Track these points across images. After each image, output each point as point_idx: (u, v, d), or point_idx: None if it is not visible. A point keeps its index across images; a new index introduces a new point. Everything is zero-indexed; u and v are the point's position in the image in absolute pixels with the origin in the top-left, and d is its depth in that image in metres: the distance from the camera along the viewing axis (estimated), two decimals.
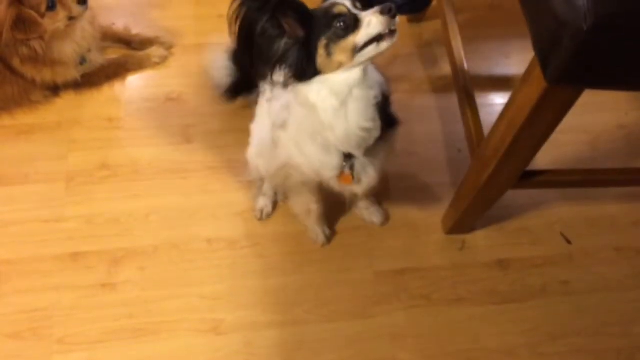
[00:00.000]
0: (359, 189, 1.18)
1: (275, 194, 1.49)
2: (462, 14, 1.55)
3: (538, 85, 0.89)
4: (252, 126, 1.32)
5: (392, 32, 0.92)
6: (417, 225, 1.49)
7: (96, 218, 1.46)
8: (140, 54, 1.76)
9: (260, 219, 1.48)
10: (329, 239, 1.45)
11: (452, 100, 1.50)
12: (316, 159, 1.09)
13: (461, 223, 1.43)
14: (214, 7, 1.90)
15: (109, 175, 1.54)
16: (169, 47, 1.79)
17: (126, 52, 1.78)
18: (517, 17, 0.98)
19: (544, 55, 0.84)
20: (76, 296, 1.35)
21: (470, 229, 1.48)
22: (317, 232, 1.44)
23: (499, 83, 1.80)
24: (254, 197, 1.50)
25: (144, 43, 1.78)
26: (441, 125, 1.66)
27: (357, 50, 0.93)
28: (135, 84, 1.74)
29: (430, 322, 1.36)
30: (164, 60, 1.77)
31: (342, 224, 1.49)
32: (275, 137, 1.15)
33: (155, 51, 1.76)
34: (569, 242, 1.49)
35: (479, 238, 1.48)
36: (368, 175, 1.15)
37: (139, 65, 1.74)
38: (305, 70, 0.95)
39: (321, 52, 0.94)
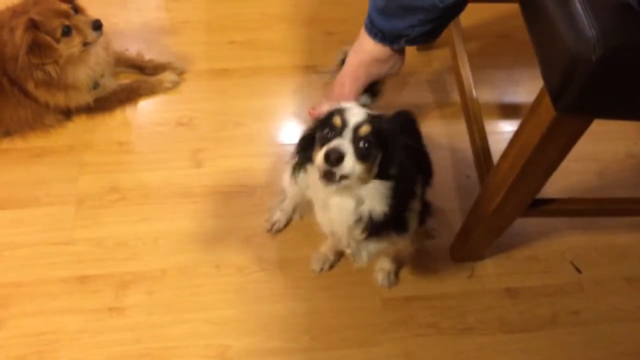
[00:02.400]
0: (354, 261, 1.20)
1: (294, 211, 1.50)
2: (471, 42, 1.57)
3: (547, 114, 0.90)
4: None
5: (325, 176, 0.91)
6: (425, 252, 1.49)
7: (105, 241, 1.47)
8: (153, 79, 1.78)
9: (269, 231, 1.49)
10: (322, 270, 1.44)
11: (461, 127, 1.51)
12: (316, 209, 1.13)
13: (470, 250, 1.42)
14: (225, 34, 1.93)
15: (119, 198, 1.54)
16: (180, 72, 1.81)
17: (139, 77, 1.80)
18: (525, 46, 0.99)
19: (553, 85, 0.84)
20: (83, 320, 1.35)
21: (479, 256, 1.47)
22: (319, 258, 1.43)
23: (507, 111, 1.80)
24: (270, 208, 1.51)
25: (156, 68, 1.81)
26: (450, 151, 1.67)
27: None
28: (146, 108, 1.75)
29: (439, 351, 1.34)
30: (175, 85, 1.79)
31: None
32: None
33: (167, 76, 1.78)
34: (579, 271, 1.48)
35: (488, 266, 1.47)
36: (361, 258, 1.17)
37: (151, 90, 1.77)
38: (309, 152, 1.02)
39: (316, 143, 0.99)
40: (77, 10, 1.54)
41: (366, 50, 1.28)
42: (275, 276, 1.43)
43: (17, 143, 1.64)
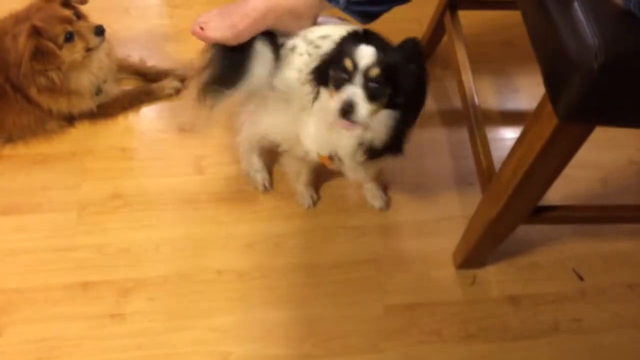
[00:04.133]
0: (349, 177, 1.32)
1: (265, 166, 1.57)
2: (472, 49, 1.57)
3: (549, 121, 0.90)
4: (275, 82, 1.26)
5: (341, 118, 1.01)
6: (427, 259, 1.48)
7: (107, 248, 1.47)
8: (155, 85, 1.78)
9: (267, 190, 1.56)
10: (314, 202, 1.54)
11: (463, 134, 1.51)
12: (320, 136, 1.18)
13: (472, 258, 1.42)
14: None
15: (121, 205, 1.55)
16: (182, 79, 1.81)
17: (141, 84, 1.81)
18: (527, 54, 0.99)
19: (555, 93, 0.84)
20: (85, 326, 1.35)
21: (482, 263, 1.47)
22: (304, 195, 1.52)
23: (509, 118, 1.80)
24: (247, 177, 1.57)
25: (159, 75, 1.81)
26: (452, 158, 1.67)
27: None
28: (149, 115, 1.76)
29: (442, 359, 1.34)
30: (177, 92, 1.79)
31: (352, 256, 1.48)
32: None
33: (169, 83, 1.78)
34: (581, 278, 1.48)
35: (490, 273, 1.47)
36: (355, 173, 1.29)
37: (154, 97, 1.77)
38: (324, 78, 1.08)
39: (330, 77, 1.05)
40: (80, 16, 1.54)
41: None
42: (277, 282, 1.43)
43: (19, 149, 1.64)
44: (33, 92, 1.52)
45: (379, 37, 1.07)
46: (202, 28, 1.19)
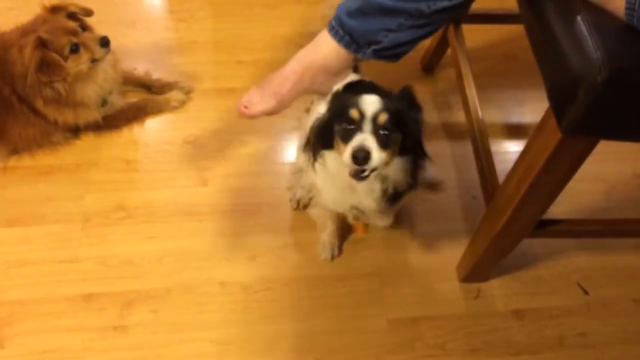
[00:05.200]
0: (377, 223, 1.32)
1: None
2: (476, 63, 1.57)
3: (553, 135, 0.90)
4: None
5: (356, 175, 0.98)
6: (431, 273, 1.48)
7: (110, 259, 1.47)
8: (160, 98, 1.80)
9: (296, 209, 1.55)
10: (334, 257, 1.48)
11: (467, 148, 1.51)
12: (333, 196, 1.17)
13: (476, 271, 1.41)
14: (231, 54, 1.95)
15: (125, 216, 1.55)
16: (187, 91, 1.83)
17: (146, 96, 1.82)
18: (531, 67, 0.99)
19: (558, 107, 0.85)
20: (87, 338, 1.34)
21: (486, 277, 1.46)
22: (326, 246, 1.47)
23: (513, 131, 1.81)
24: (291, 187, 1.57)
25: (164, 87, 1.82)
26: (456, 172, 1.67)
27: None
28: (153, 127, 1.77)
29: None
30: (182, 104, 1.80)
31: (356, 270, 1.48)
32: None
33: (174, 95, 1.79)
34: (586, 292, 1.47)
35: (495, 287, 1.46)
36: (382, 221, 1.27)
37: (158, 109, 1.78)
38: (327, 139, 1.05)
39: (335, 135, 1.03)
40: (85, 28, 1.56)
41: (322, 53, 1.18)
42: (280, 295, 1.43)
43: (25, 161, 1.65)
44: (39, 104, 1.53)
45: (372, 85, 1.09)
46: (246, 107, 1.24)
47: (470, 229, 1.51)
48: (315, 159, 1.09)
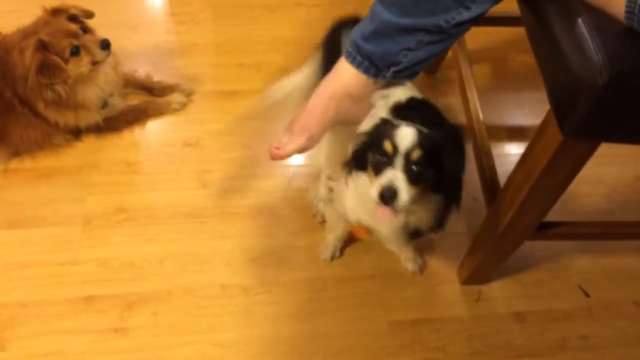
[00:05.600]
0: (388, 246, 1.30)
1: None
2: (477, 65, 1.57)
3: (554, 137, 0.90)
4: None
5: (382, 205, 0.95)
6: (432, 275, 1.48)
7: (111, 262, 1.47)
8: (161, 100, 1.80)
9: (322, 223, 1.54)
10: (333, 258, 1.49)
11: (468, 150, 1.50)
12: (355, 205, 1.14)
13: (477, 274, 1.41)
14: (233, 56, 1.96)
15: (126, 219, 1.55)
16: (188, 94, 1.83)
17: (147, 99, 1.82)
18: (532, 70, 0.99)
19: (559, 109, 0.84)
20: (88, 340, 1.34)
21: (487, 279, 1.46)
22: (329, 246, 1.47)
23: (514, 133, 1.81)
24: (310, 200, 1.57)
25: (165, 90, 1.83)
26: None
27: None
28: (154, 129, 1.77)
29: None
30: (183, 106, 1.80)
31: (357, 272, 1.47)
32: None
33: (175, 98, 1.79)
34: (587, 295, 1.47)
35: (496, 289, 1.46)
36: (394, 245, 1.25)
37: (159, 111, 1.78)
38: (360, 162, 1.03)
39: (368, 162, 1.01)
40: (86, 30, 1.56)
41: (343, 81, 1.14)
42: (280, 298, 1.43)
43: (26, 163, 1.65)
44: (40, 106, 1.53)
45: (424, 104, 1.08)
46: (277, 148, 1.20)
47: (471, 232, 1.50)
48: (349, 176, 1.08)
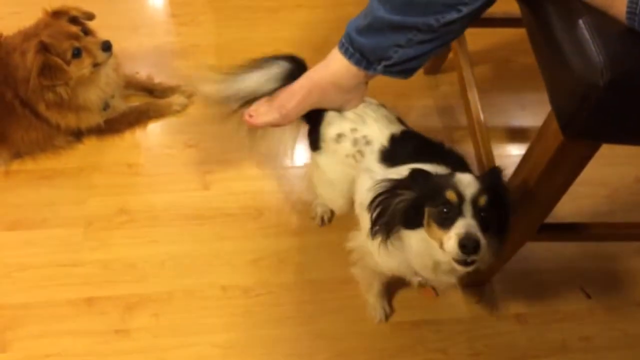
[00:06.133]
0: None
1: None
2: (478, 66, 1.57)
3: (555, 139, 0.90)
4: (317, 158, 1.30)
5: (463, 263, 0.90)
6: None
7: (112, 263, 1.47)
8: (162, 101, 1.80)
9: (322, 225, 1.54)
10: (387, 316, 1.41)
11: (469, 151, 1.51)
12: (394, 263, 1.11)
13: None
14: (234, 58, 1.92)
15: (127, 220, 1.55)
16: (189, 95, 1.83)
17: (148, 100, 1.82)
18: (533, 71, 0.99)
19: (560, 110, 0.84)
20: (89, 342, 1.34)
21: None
22: (376, 307, 1.40)
23: (515, 134, 1.80)
24: (309, 203, 1.56)
25: (166, 91, 1.83)
26: None
27: (442, 245, 0.92)
28: (155, 130, 1.77)
29: None
30: (184, 108, 1.80)
31: None
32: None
33: (176, 99, 1.79)
34: (588, 296, 1.46)
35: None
36: (448, 282, 1.13)
37: (161, 113, 1.78)
38: (412, 219, 0.96)
39: (425, 216, 0.95)
40: (87, 32, 1.56)
41: (332, 70, 1.17)
42: (281, 299, 1.43)
43: (27, 164, 1.65)
44: (41, 108, 1.53)
45: (420, 137, 1.09)
46: (251, 115, 1.24)
47: None
48: (388, 238, 1.01)
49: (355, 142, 1.19)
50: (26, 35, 1.49)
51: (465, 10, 0.98)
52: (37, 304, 1.40)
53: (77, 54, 1.49)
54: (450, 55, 1.76)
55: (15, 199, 1.58)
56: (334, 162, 1.25)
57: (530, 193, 1.03)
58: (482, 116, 1.45)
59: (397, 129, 1.19)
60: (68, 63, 1.48)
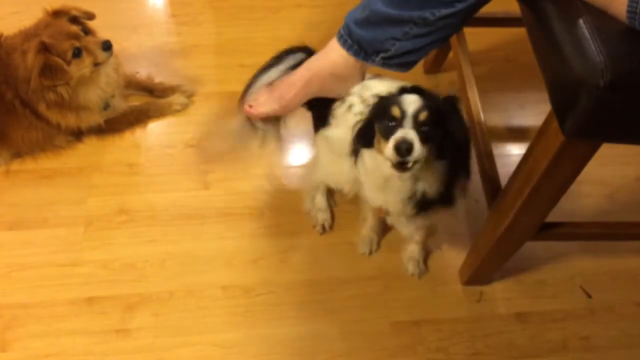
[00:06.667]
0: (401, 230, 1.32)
1: (330, 206, 1.56)
2: (478, 66, 1.57)
3: (555, 138, 0.90)
4: (327, 132, 1.32)
5: (399, 167, 0.99)
6: (434, 276, 1.48)
7: (112, 263, 1.47)
8: (162, 101, 1.80)
9: (323, 233, 1.54)
10: (371, 251, 1.50)
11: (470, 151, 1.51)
12: (367, 188, 1.18)
13: (479, 274, 1.41)
14: (233, 57, 1.95)
15: (127, 220, 1.55)
16: (190, 95, 1.83)
17: (148, 100, 1.82)
18: (533, 70, 0.99)
19: (560, 110, 0.84)
20: (90, 342, 1.34)
21: (488, 280, 1.46)
22: (365, 240, 1.50)
23: (515, 134, 1.80)
24: (307, 212, 1.56)
25: (166, 91, 1.83)
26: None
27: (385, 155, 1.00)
28: (156, 130, 1.77)
29: None
30: (184, 107, 1.80)
31: (358, 273, 1.47)
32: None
33: (176, 99, 1.79)
34: (589, 296, 1.46)
35: (497, 290, 1.46)
36: (405, 228, 1.26)
37: (161, 113, 1.78)
38: (367, 138, 1.07)
39: (376, 133, 1.04)
40: (87, 32, 1.56)
41: (331, 60, 1.19)
42: (282, 299, 1.43)
43: (27, 164, 1.65)
44: (42, 108, 1.53)
45: (422, 90, 1.09)
46: (250, 106, 1.28)
47: (472, 233, 1.50)
48: (356, 158, 1.12)
49: (364, 100, 1.20)
50: (27, 35, 1.49)
51: (459, 6, 1.01)
52: (37, 304, 1.40)
53: (77, 53, 1.49)
54: (451, 54, 1.76)
55: (15, 199, 1.58)
56: (344, 131, 1.24)
57: (530, 192, 1.03)
58: (482, 115, 1.45)
59: (406, 84, 1.19)
60: (69, 63, 1.48)
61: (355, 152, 1.12)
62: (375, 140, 1.05)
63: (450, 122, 1.04)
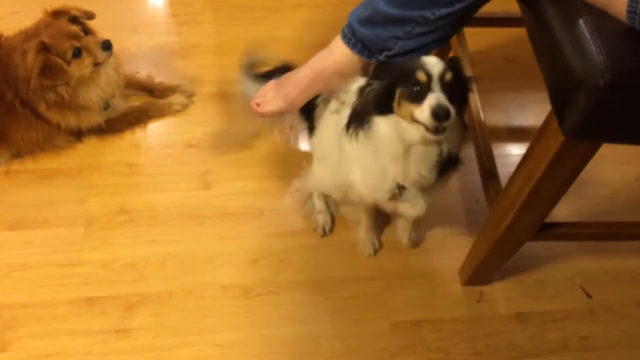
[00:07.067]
0: (407, 214, 1.28)
1: (329, 208, 1.56)
2: (478, 66, 1.57)
3: (555, 138, 0.89)
4: (313, 140, 1.36)
5: (435, 131, 0.98)
6: (434, 276, 1.48)
7: (112, 263, 1.47)
8: (162, 101, 1.80)
9: (324, 235, 1.54)
10: (376, 250, 1.50)
11: (469, 151, 1.50)
12: (371, 179, 1.16)
13: (479, 274, 1.41)
14: (234, 57, 1.94)
15: (127, 220, 1.55)
16: (190, 95, 1.83)
17: (148, 100, 1.82)
18: (533, 70, 0.99)
19: (560, 110, 0.84)
20: (90, 342, 1.34)
21: (488, 280, 1.46)
22: (366, 241, 1.49)
23: (515, 134, 1.80)
24: (308, 216, 1.56)
25: (166, 91, 1.83)
26: (458, 175, 1.64)
27: (414, 119, 1.00)
28: (156, 130, 1.77)
29: None
30: (184, 107, 1.80)
31: (358, 273, 1.47)
32: (340, 147, 1.21)
33: (176, 99, 1.79)
34: (589, 296, 1.46)
35: (497, 290, 1.46)
36: (417, 206, 1.21)
37: (161, 113, 1.78)
38: (383, 104, 1.05)
39: (396, 98, 1.03)
40: (87, 31, 1.56)
41: (335, 58, 1.21)
42: (282, 299, 1.43)
43: (27, 164, 1.66)
44: (42, 108, 1.53)
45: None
46: (258, 104, 1.31)
47: (472, 233, 1.50)
48: (361, 129, 1.09)
49: (337, 97, 1.23)
50: (27, 35, 1.49)
51: (458, 6, 1.02)
52: (37, 304, 1.40)
53: (77, 53, 1.49)
54: (451, 54, 1.76)
55: (15, 199, 1.58)
56: (329, 131, 1.27)
57: (530, 192, 1.03)
58: (482, 115, 1.45)
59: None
60: (69, 63, 1.48)
61: (361, 124, 1.09)
62: (396, 105, 1.04)
63: (465, 80, 1.08)
